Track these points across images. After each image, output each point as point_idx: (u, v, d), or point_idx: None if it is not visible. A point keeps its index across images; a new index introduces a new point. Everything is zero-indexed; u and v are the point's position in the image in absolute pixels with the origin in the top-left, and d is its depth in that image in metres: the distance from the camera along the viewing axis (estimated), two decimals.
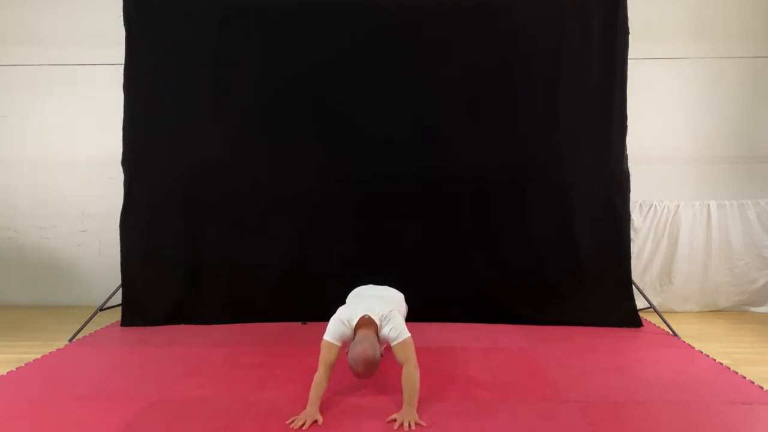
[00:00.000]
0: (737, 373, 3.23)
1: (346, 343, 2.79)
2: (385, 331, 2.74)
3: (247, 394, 2.91)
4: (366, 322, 2.73)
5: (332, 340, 2.76)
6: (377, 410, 2.69)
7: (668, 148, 4.98)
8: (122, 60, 4.33)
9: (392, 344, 2.74)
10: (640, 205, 4.81)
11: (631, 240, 4.47)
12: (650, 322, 4.32)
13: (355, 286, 3.33)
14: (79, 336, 3.99)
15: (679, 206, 4.80)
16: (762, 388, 3.00)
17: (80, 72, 4.96)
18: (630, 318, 4.24)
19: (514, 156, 4.31)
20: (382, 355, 2.67)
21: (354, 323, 2.76)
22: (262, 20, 4.29)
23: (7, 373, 3.24)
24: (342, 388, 2.96)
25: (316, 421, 2.55)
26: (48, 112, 5.06)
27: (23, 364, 3.38)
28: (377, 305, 2.85)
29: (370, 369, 2.60)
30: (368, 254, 4.25)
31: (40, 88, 5.04)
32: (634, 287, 4.33)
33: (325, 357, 2.72)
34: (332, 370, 2.73)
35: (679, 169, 5.00)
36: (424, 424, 2.53)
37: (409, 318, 2.85)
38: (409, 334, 2.76)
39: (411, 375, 2.65)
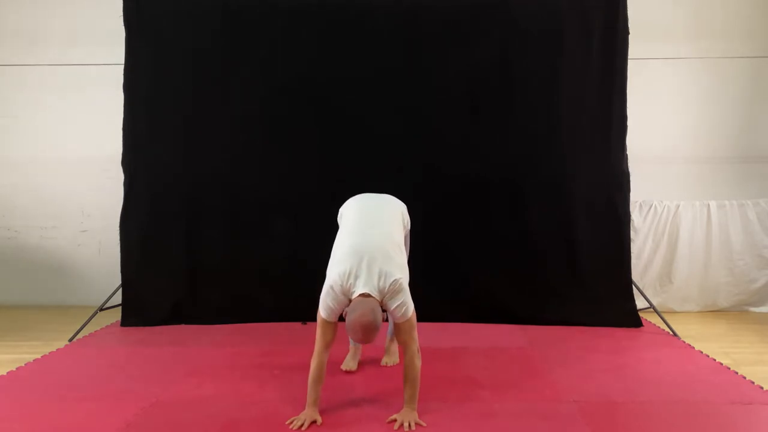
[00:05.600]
0: (737, 373, 3.23)
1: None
2: (389, 305, 2.54)
3: (247, 394, 2.91)
4: (366, 296, 2.48)
5: (330, 319, 2.56)
6: (377, 411, 2.69)
7: (668, 148, 4.98)
8: (122, 60, 4.33)
9: (396, 321, 2.60)
10: (640, 205, 4.81)
11: (631, 240, 4.47)
12: (650, 322, 4.32)
13: None
14: (79, 336, 3.98)
15: (679, 206, 4.80)
16: (762, 388, 3.00)
17: (80, 72, 4.96)
18: (630, 318, 4.23)
19: (514, 156, 4.31)
20: (384, 320, 2.50)
21: (353, 297, 2.50)
22: (263, 20, 4.29)
23: (7, 373, 3.23)
24: (341, 388, 2.97)
25: (315, 422, 2.53)
26: (48, 112, 5.06)
27: (23, 364, 3.37)
28: (379, 263, 2.52)
29: (370, 335, 2.41)
30: None
31: (40, 88, 5.04)
32: (634, 287, 4.33)
33: (323, 342, 2.56)
34: (329, 351, 2.61)
35: (679, 169, 5.00)
36: (423, 424, 2.52)
37: None
38: (412, 309, 2.58)
39: (413, 366, 2.56)
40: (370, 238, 2.65)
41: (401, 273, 2.59)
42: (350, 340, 3.23)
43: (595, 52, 4.28)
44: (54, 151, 5.06)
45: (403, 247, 2.81)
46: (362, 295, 2.48)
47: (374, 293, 2.49)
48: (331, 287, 2.55)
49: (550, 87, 4.29)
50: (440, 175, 4.33)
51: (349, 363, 3.21)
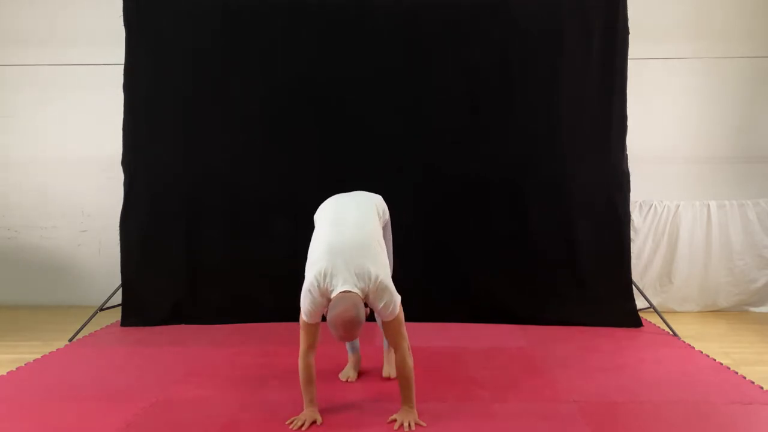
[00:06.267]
0: (737, 373, 3.23)
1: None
2: (375, 304, 2.47)
3: (247, 394, 2.91)
4: (347, 292, 2.40)
5: (311, 321, 2.50)
6: (377, 410, 2.69)
7: (668, 148, 4.98)
8: (122, 60, 4.33)
9: (383, 320, 2.53)
10: (640, 205, 4.81)
11: (631, 240, 4.47)
12: (650, 322, 4.32)
13: None
14: (79, 336, 3.99)
15: (679, 206, 4.80)
16: (762, 388, 3.00)
17: (80, 72, 4.95)
18: (630, 318, 4.23)
19: (514, 156, 4.31)
20: (367, 315, 2.43)
21: (332, 296, 2.41)
22: (263, 20, 4.29)
23: (7, 373, 3.23)
24: (341, 388, 2.97)
25: (315, 422, 2.53)
26: (48, 112, 5.06)
27: (23, 364, 3.37)
28: (357, 260, 2.43)
29: (353, 331, 2.33)
30: None
31: (40, 88, 5.04)
32: (634, 287, 4.33)
33: (306, 344, 2.53)
34: (315, 351, 2.57)
35: (679, 169, 5.00)
36: (423, 424, 2.52)
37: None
38: (399, 306, 2.50)
39: (405, 364, 2.52)
40: (345, 237, 2.55)
41: (381, 269, 2.49)
42: (348, 350, 3.17)
43: (595, 52, 4.28)
44: (54, 151, 5.06)
45: (383, 241, 2.72)
46: (343, 292, 2.39)
47: (355, 290, 2.40)
48: (309, 291, 2.46)
49: (550, 87, 4.29)
50: (440, 175, 4.33)
51: (349, 372, 3.11)
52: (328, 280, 2.43)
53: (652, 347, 3.76)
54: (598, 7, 4.26)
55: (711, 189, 4.95)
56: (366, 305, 2.47)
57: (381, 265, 2.52)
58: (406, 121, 4.32)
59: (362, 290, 2.42)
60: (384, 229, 2.89)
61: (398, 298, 2.52)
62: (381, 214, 2.87)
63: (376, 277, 2.43)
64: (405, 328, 2.57)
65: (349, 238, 2.54)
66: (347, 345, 3.16)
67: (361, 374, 3.16)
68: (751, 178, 4.99)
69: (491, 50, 4.29)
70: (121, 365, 3.38)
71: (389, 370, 3.08)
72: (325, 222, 2.72)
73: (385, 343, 3.13)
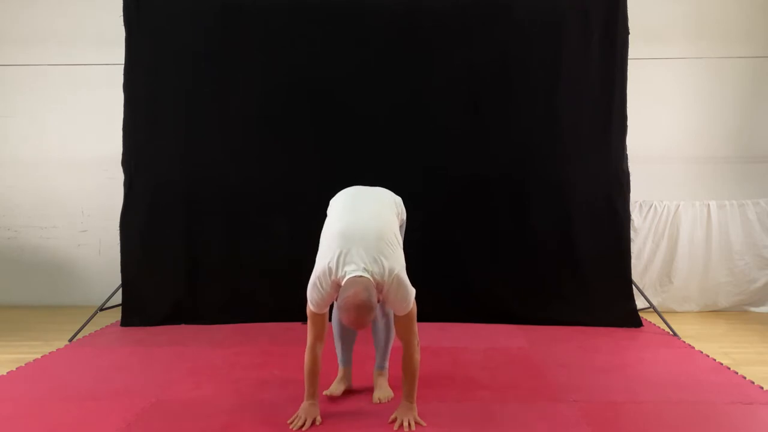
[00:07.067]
0: (737, 373, 3.23)
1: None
2: (389, 299, 2.38)
3: (247, 394, 2.91)
4: (360, 277, 2.29)
5: (319, 311, 2.42)
6: (377, 410, 2.69)
7: (668, 148, 4.98)
8: (122, 60, 4.33)
9: (396, 314, 2.47)
10: (640, 205, 4.81)
11: (631, 240, 4.47)
12: (650, 322, 4.32)
13: None
14: (79, 336, 3.98)
15: (679, 206, 4.80)
16: (762, 388, 3.00)
17: (80, 72, 4.96)
18: (630, 318, 4.23)
19: (514, 156, 4.32)
20: (379, 301, 2.31)
21: (344, 282, 2.30)
22: (263, 20, 4.30)
23: (7, 373, 3.23)
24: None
25: (315, 421, 2.52)
26: (48, 112, 5.06)
27: (23, 364, 3.37)
28: (373, 250, 2.33)
29: (364, 315, 2.21)
30: None
31: (40, 88, 5.04)
32: (634, 287, 4.33)
33: (314, 335, 2.48)
34: (323, 344, 2.52)
35: (679, 169, 5.00)
36: (423, 423, 2.52)
37: None
38: (413, 301, 2.42)
39: (413, 360, 2.50)
40: (361, 224, 2.44)
41: (397, 262, 2.39)
42: (339, 362, 2.98)
43: (595, 53, 4.28)
44: (54, 151, 5.06)
45: (399, 236, 2.62)
46: (354, 276, 2.28)
47: (367, 275, 2.29)
48: (318, 279, 2.37)
49: (550, 87, 4.29)
50: (441, 175, 4.33)
51: (334, 387, 2.86)
52: (341, 267, 2.32)
53: (652, 347, 3.76)
54: (598, 7, 4.26)
55: (711, 189, 4.96)
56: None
57: (396, 258, 2.42)
58: (405, 120, 4.32)
59: (375, 278, 2.31)
60: (399, 227, 2.80)
61: (413, 292, 2.44)
62: (399, 212, 2.79)
63: (392, 270, 2.34)
64: (416, 325, 2.52)
65: (365, 225, 2.45)
66: (339, 355, 2.94)
67: (360, 364, 3.03)
68: (751, 178, 4.99)
69: (492, 50, 4.29)
70: (121, 365, 3.38)
71: (379, 394, 2.81)
72: (341, 208, 2.64)
73: (377, 365, 2.93)
